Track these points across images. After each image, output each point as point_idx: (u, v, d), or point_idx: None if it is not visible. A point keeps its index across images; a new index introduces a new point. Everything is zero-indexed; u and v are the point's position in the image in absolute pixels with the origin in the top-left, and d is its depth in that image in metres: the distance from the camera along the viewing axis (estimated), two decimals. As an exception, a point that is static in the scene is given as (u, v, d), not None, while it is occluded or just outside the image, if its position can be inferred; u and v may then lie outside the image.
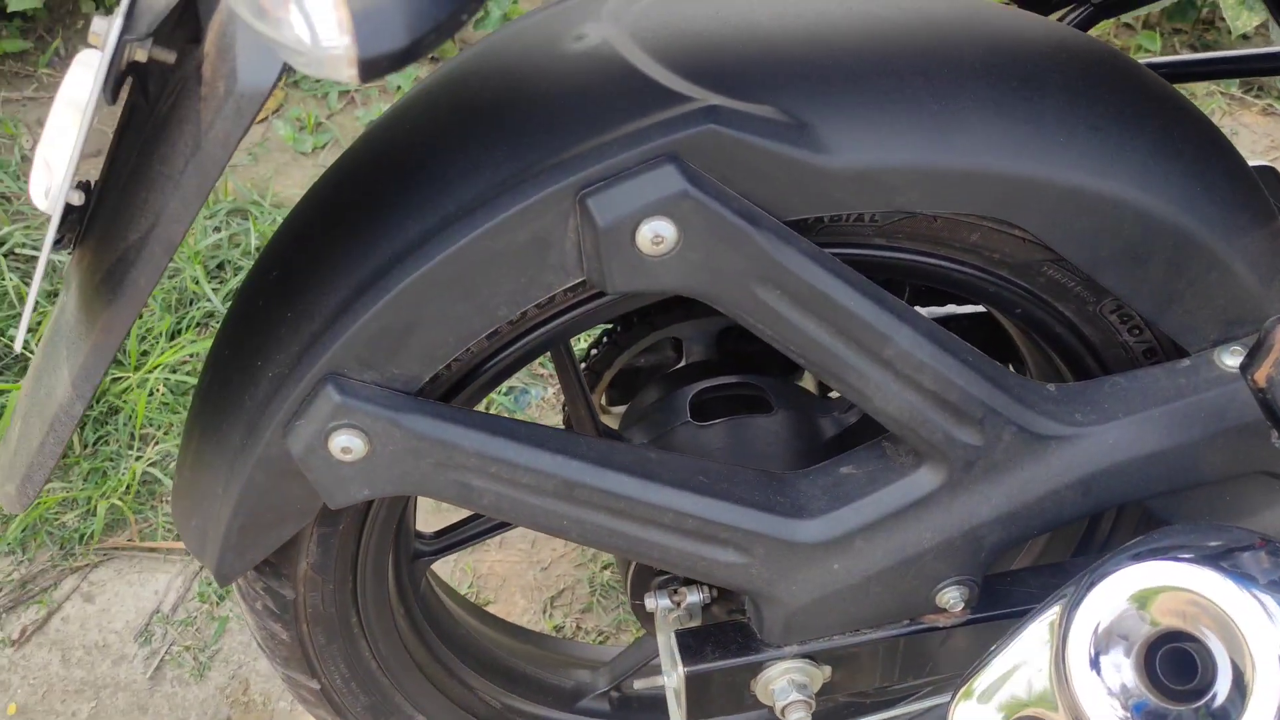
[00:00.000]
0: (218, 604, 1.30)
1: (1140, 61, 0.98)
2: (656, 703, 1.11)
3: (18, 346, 0.64)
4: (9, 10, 1.68)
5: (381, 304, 0.67)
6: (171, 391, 1.44)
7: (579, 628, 1.31)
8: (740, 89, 0.66)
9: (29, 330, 1.46)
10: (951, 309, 1.02)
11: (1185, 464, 0.77)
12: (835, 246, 0.72)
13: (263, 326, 0.73)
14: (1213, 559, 0.67)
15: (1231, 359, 0.77)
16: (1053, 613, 0.72)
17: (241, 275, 1.57)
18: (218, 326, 1.45)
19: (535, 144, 0.65)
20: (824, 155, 0.65)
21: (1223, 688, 0.63)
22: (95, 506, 1.34)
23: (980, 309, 1.00)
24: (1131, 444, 0.76)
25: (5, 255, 1.54)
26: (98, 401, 1.41)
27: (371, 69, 0.38)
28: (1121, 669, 0.66)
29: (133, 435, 1.41)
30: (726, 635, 0.84)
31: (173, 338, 1.50)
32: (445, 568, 1.35)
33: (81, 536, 1.33)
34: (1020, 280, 0.77)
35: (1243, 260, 0.74)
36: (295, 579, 0.84)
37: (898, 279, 0.83)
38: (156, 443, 1.40)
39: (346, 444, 0.69)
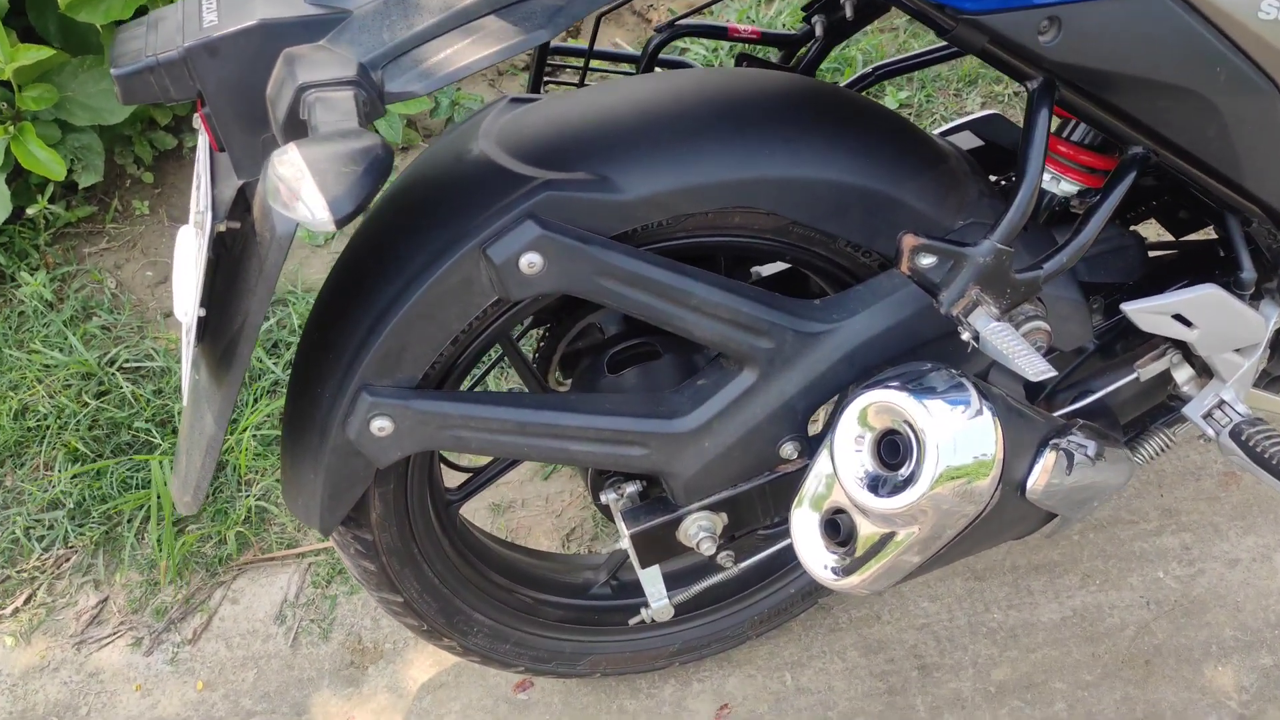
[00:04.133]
0: (326, 587, 1.75)
1: (845, 82, 1.40)
2: (638, 585, 1.53)
3: (185, 403, 1.09)
4: (80, 186, 2.16)
5: (383, 336, 1.10)
6: (260, 444, 1.90)
7: (591, 551, 1.75)
8: (563, 164, 1.08)
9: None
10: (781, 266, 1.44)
11: (909, 331, 1.19)
12: (651, 244, 1.14)
13: (317, 367, 1.17)
14: (907, 382, 1.09)
15: (923, 260, 1.18)
16: (828, 439, 1.14)
17: (291, 349, 2.03)
18: (284, 389, 1.90)
19: (453, 222, 1.09)
20: (619, 193, 1.08)
21: (913, 457, 1.05)
22: (225, 536, 1.80)
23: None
24: (871, 325, 1.18)
25: (118, 369, 2.02)
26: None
27: (341, 224, 0.81)
28: (864, 459, 1.08)
29: (239, 481, 1.87)
30: (653, 505, 1.27)
31: (251, 405, 1.96)
32: (485, 526, 1.79)
33: (220, 560, 1.79)
34: (780, 238, 1.18)
35: (913, 197, 1.15)
36: (371, 526, 1.28)
37: (711, 254, 1.25)
38: (257, 483, 1.87)
39: (381, 425, 1.13)
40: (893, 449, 1.07)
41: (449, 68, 0.94)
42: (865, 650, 1.59)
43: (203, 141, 1.07)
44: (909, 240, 1.06)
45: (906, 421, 1.05)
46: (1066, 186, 1.28)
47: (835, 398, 1.22)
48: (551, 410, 1.18)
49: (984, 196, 1.21)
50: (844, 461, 1.09)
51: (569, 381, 1.47)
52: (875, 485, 1.06)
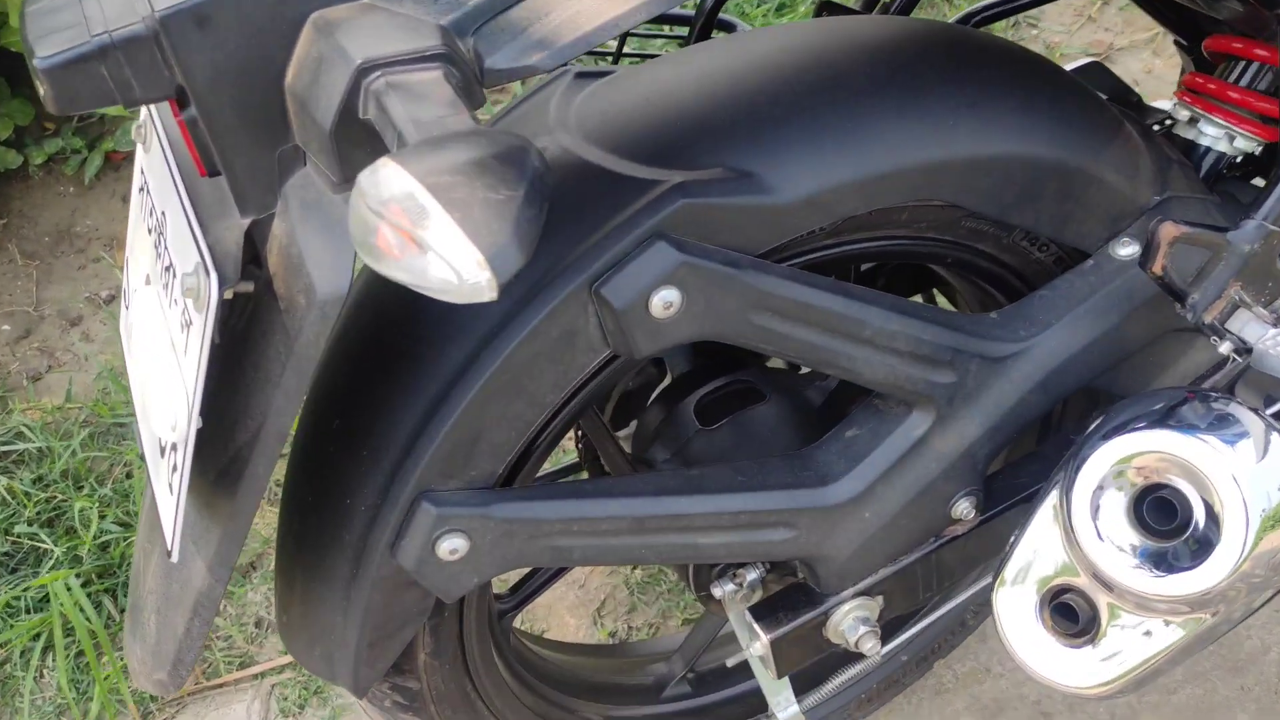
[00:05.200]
0: (299, 714, 1.39)
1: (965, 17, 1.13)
2: (727, 672, 1.24)
3: (174, 558, 0.74)
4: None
5: (451, 423, 0.77)
6: (186, 537, 1.51)
7: (630, 628, 1.44)
8: (690, 160, 0.78)
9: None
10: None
11: (1114, 343, 0.93)
12: (797, 258, 0.85)
13: (340, 470, 0.83)
14: (1161, 420, 0.82)
15: (1124, 249, 0.92)
16: (1052, 498, 0.87)
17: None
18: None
19: (542, 255, 0.76)
20: (773, 195, 0.78)
21: (1200, 516, 0.78)
22: (158, 664, 1.41)
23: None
24: (1069, 341, 0.91)
25: (-16, 460, 1.59)
26: (124, 565, 1.48)
27: (506, 289, 0.49)
28: (1120, 528, 0.81)
29: (166, 588, 1.48)
30: (791, 598, 0.98)
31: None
32: (492, 614, 1.46)
33: (151, 694, 1.41)
34: (946, 236, 0.90)
35: (1109, 170, 0.89)
36: (417, 670, 0.94)
37: (847, 264, 0.97)
38: (191, 588, 1.48)
39: (452, 546, 0.80)
40: (1160, 511, 0.81)
41: (574, 32, 0.62)
42: (982, 713, 1.33)
43: (158, 164, 0.72)
44: (1169, 230, 0.80)
45: (1189, 471, 0.78)
46: (1243, 143, 1.04)
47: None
48: (673, 496, 0.87)
49: (1171, 163, 0.96)
50: (1090, 532, 0.82)
51: (623, 434, 1.15)
52: (1157, 561, 0.79)
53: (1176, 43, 1.23)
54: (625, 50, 1.16)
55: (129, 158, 1.97)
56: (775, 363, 1.18)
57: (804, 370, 1.14)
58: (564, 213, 0.77)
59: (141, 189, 0.78)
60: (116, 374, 1.69)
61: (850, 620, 0.97)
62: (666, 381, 1.12)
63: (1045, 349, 0.91)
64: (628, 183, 0.77)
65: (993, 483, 0.99)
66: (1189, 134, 1.06)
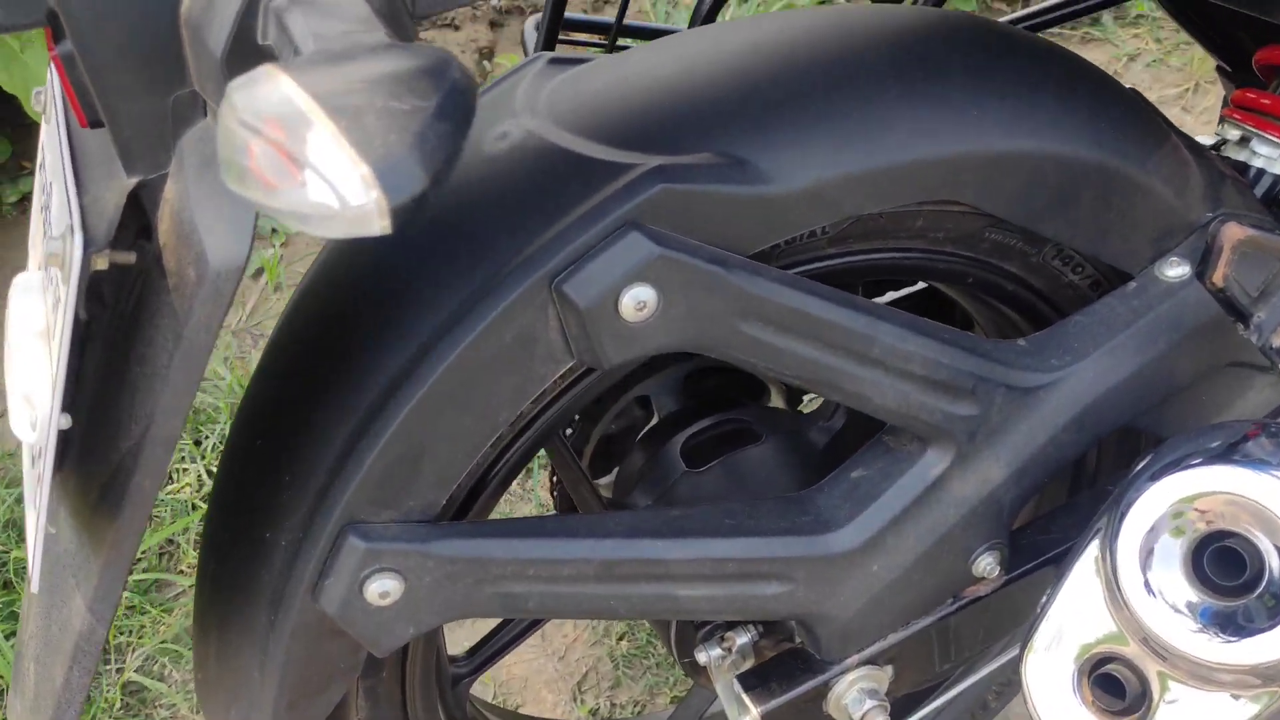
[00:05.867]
0: (245, 793, 1.25)
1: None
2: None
3: (34, 588, 0.62)
4: None
5: (384, 441, 0.66)
6: (131, 591, 1.39)
7: (614, 705, 1.30)
8: (672, 144, 0.68)
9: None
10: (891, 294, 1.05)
11: (1160, 376, 0.81)
12: (794, 266, 0.74)
13: (261, 499, 0.71)
14: (1223, 457, 0.70)
15: (1173, 270, 0.80)
16: (1092, 549, 0.75)
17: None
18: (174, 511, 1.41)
19: (496, 246, 0.66)
20: (769, 185, 0.67)
21: (1275, 566, 0.66)
22: (90, 733, 1.28)
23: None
24: (1108, 373, 0.79)
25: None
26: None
27: (400, 215, 0.38)
28: (1176, 583, 0.69)
29: (105, 650, 1.35)
30: (786, 665, 0.84)
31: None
32: (462, 686, 1.32)
33: (85, 768, 1.27)
34: (965, 251, 0.80)
35: (1157, 178, 0.78)
36: (351, 740, 0.82)
37: (852, 280, 0.86)
38: (133, 649, 1.35)
39: (382, 588, 0.68)
40: (1223, 564, 0.68)
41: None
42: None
43: (55, 115, 0.62)
44: (1233, 232, 0.69)
45: (1259, 515, 0.66)
46: (1301, 162, 0.93)
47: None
48: (648, 538, 0.74)
49: (1225, 179, 0.85)
50: (1140, 588, 0.69)
51: (603, 482, 1.04)
52: (1222, 623, 0.66)
53: (1219, 69, 1.13)
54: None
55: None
56: (775, 402, 1.06)
57: (804, 403, 1.02)
58: (523, 199, 0.67)
59: (41, 165, 0.68)
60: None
61: (855, 693, 0.84)
62: (654, 423, 1.01)
63: (1081, 381, 0.79)
64: (598, 166, 0.66)
65: (1020, 538, 0.86)
66: (1240, 155, 0.95)
